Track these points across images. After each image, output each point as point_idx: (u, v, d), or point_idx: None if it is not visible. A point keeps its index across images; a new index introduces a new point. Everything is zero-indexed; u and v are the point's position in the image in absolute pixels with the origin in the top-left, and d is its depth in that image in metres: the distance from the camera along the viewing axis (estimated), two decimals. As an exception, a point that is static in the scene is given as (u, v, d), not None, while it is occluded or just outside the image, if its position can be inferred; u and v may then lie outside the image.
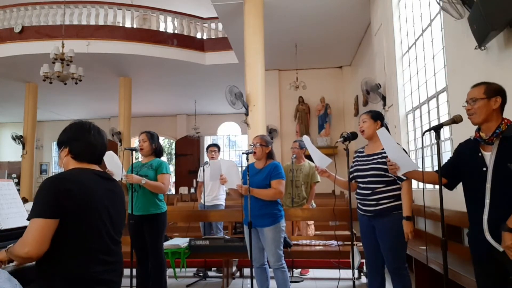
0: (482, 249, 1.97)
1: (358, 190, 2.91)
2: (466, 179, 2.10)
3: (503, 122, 1.95)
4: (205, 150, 5.39)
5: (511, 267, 1.86)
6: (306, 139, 3.00)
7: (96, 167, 1.77)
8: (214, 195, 5.04)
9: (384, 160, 2.69)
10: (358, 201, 2.90)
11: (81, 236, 1.58)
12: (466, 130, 2.32)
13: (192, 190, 13.43)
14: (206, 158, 5.13)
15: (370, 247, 2.87)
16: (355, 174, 2.93)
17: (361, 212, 2.88)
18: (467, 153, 2.10)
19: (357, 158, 2.98)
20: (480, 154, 2.00)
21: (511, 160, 1.86)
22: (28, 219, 1.53)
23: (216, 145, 5.13)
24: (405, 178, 2.65)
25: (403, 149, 2.62)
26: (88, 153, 1.74)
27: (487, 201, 1.94)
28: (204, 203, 4.91)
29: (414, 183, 2.99)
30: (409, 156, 2.72)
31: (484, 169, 1.96)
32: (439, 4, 3.46)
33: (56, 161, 16.68)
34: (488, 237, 1.93)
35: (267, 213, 3.19)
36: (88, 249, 1.60)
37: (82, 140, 1.73)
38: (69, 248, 1.55)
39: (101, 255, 1.63)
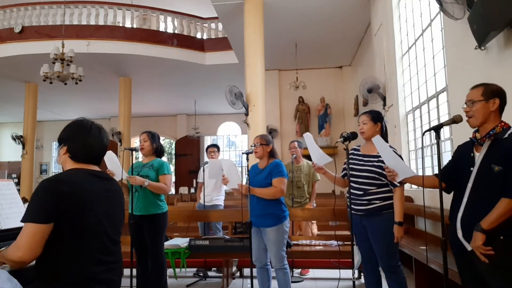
0: (457, 247, 2.01)
1: (350, 190, 2.91)
2: (458, 179, 2.11)
3: (499, 124, 1.95)
4: (205, 150, 5.39)
5: (481, 265, 1.89)
6: (308, 136, 2.99)
7: (93, 167, 1.75)
8: (214, 195, 5.04)
9: (379, 164, 2.70)
10: (350, 200, 2.90)
11: (78, 236, 1.57)
12: (466, 130, 2.31)
13: (192, 190, 13.43)
14: (206, 158, 5.13)
15: (363, 246, 2.87)
16: (349, 172, 2.92)
17: (353, 212, 2.88)
18: (462, 154, 2.12)
19: (352, 156, 2.97)
20: (472, 155, 2.02)
21: (497, 161, 1.87)
22: (22, 221, 1.52)
23: (216, 146, 5.13)
24: (398, 184, 2.66)
25: (399, 155, 2.63)
26: (84, 154, 1.72)
27: (465, 199, 1.97)
28: (204, 203, 4.91)
29: (415, 184, 2.99)
30: (403, 161, 2.73)
31: (471, 168, 1.98)
32: (440, 3, 3.44)
33: (56, 161, 16.68)
34: (460, 235, 1.96)
35: (270, 213, 3.17)
36: (86, 249, 1.59)
37: (80, 140, 1.72)
38: (67, 249, 1.55)
39: (100, 255, 1.63)
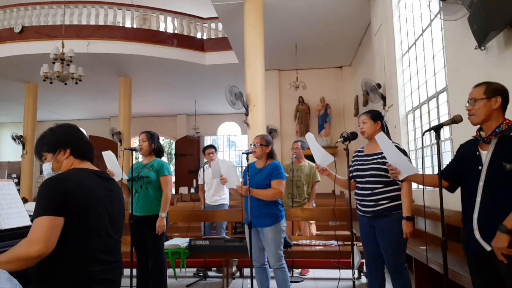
0: (474, 248, 1.97)
1: (357, 191, 2.91)
2: (464, 178, 2.09)
3: (504, 122, 1.94)
4: (201, 151, 5.42)
5: (501, 266, 1.86)
6: (310, 136, 2.99)
7: (93, 167, 1.78)
8: (219, 195, 5.06)
9: (383, 160, 2.69)
10: (357, 201, 2.90)
11: (80, 235, 1.58)
12: (466, 130, 2.32)
13: (192, 190, 13.43)
14: (205, 160, 5.15)
15: (370, 247, 2.87)
16: (354, 174, 2.93)
17: (361, 213, 2.88)
18: (466, 152, 2.11)
19: (356, 158, 2.98)
20: (477, 153, 2.00)
21: (507, 159, 1.86)
22: (33, 218, 1.51)
23: (213, 146, 5.16)
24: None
25: (403, 151, 2.61)
26: (87, 150, 1.77)
27: (478, 199, 1.94)
28: (204, 203, 4.92)
29: (415, 183, 2.99)
30: (409, 156, 2.71)
31: (480, 167, 1.96)
32: (439, 4, 3.44)
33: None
34: (477, 235, 1.93)
35: (267, 213, 3.18)
36: (88, 248, 1.60)
37: (80, 139, 1.75)
38: (68, 248, 1.55)
39: (101, 255, 1.63)
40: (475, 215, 1.94)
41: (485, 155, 1.96)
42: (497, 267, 1.89)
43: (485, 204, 1.92)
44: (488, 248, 1.88)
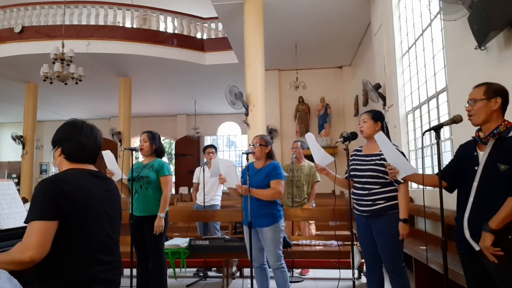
0: (464, 247, 2.00)
1: (354, 190, 2.91)
2: (461, 178, 2.10)
3: (502, 123, 1.94)
4: (202, 151, 5.40)
5: (489, 266, 1.88)
6: (309, 136, 3.00)
7: (90, 167, 1.77)
8: (212, 195, 5.04)
9: (382, 162, 2.69)
10: (354, 201, 2.90)
11: (79, 236, 1.57)
12: (466, 130, 2.32)
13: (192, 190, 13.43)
14: (205, 159, 5.14)
15: (368, 247, 2.87)
16: (351, 173, 2.92)
17: (358, 213, 2.88)
18: (465, 153, 2.11)
19: (354, 157, 2.97)
20: (475, 153, 2.01)
21: (502, 160, 1.86)
22: (26, 222, 1.51)
23: (213, 146, 5.15)
24: (402, 181, 2.65)
25: (402, 152, 2.62)
26: (80, 153, 1.73)
27: (471, 199, 1.95)
28: (204, 204, 4.91)
29: (415, 183, 2.99)
30: (407, 159, 2.72)
31: (476, 167, 1.97)
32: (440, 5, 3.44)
33: (52, 164, 16.71)
34: (467, 235, 1.95)
35: (266, 213, 3.18)
36: (87, 249, 1.59)
37: (73, 140, 1.72)
38: (68, 249, 1.55)
39: (100, 255, 1.63)
40: (466, 215, 1.97)
41: (482, 155, 1.97)
42: (486, 267, 1.90)
43: (476, 204, 1.94)
44: (477, 248, 1.90)
